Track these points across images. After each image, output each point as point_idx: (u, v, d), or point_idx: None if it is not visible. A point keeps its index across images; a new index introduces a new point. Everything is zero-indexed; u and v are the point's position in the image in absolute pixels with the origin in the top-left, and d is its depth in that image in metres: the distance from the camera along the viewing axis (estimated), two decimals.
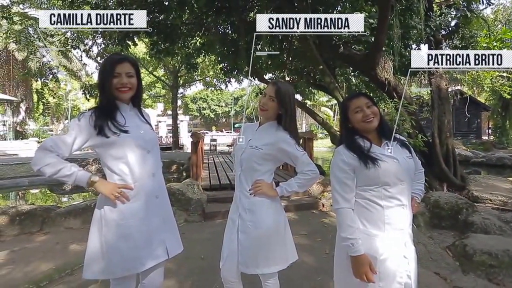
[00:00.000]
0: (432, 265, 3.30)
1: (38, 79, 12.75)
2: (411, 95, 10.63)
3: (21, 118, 25.42)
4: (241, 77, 14.29)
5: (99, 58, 12.04)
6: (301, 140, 7.75)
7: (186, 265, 3.37)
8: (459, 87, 25.93)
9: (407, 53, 7.91)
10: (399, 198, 1.61)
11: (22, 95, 24.38)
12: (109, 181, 1.76)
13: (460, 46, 7.97)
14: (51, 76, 12.51)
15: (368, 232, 1.62)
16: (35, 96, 25.47)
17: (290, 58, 10.14)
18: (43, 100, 24.78)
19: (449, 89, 12.50)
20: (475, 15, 7.81)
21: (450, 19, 7.78)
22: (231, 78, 12.78)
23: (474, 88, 30.15)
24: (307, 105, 13.61)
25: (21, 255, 3.70)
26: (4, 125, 25.38)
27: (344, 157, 1.66)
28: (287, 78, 10.76)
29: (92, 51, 9.75)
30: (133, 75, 1.82)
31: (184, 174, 11.51)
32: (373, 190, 1.62)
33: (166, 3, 7.95)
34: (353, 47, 7.67)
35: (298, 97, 12.73)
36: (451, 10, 7.69)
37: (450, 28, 7.93)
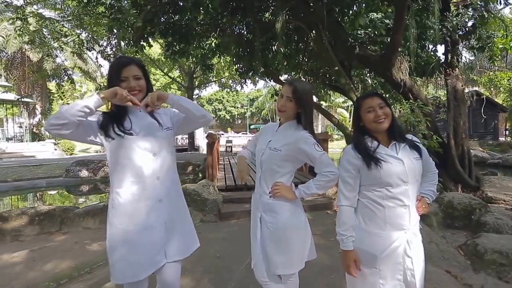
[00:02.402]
0: (443, 263, 3.33)
1: (53, 81, 12.92)
2: (428, 96, 10.52)
3: (37, 119, 25.51)
4: (257, 78, 14.22)
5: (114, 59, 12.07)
6: None
7: (202, 264, 3.43)
8: (476, 88, 25.41)
9: (424, 54, 7.86)
10: (401, 199, 1.65)
11: (37, 97, 24.51)
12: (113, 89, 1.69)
13: (477, 46, 7.85)
14: (66, 77, 12.63)
15: (369, 230, 1.70)
16: (51, 97, 25.71)
17: (306, 59, 10.12)
18: (58, 101, 25.00)
19: (466, 90, 12.30)
20: (492, 15, 7.70)
21: (467, 19, 7.68)
22: (246, 79, 12.74)
23: (492, 89, 29.55)
24: (323, 106, 13.55)
25: (41, 254, 3.80)
26: (20, 127, 25.80)
27: (349, 156, 1.73)
28: (302, 79, 10.74)
29: (107, 52, 9.82)
30: (140, 77, 1.80)
31: (200, 175, 11.54)
32: (376, 190, 1.68)
33: (181, 4, 8.00)
34: (369, 47, 7.65)
35: (314, 98, 12.68)
36: (468, 10, 7.59)
37: (467, 29, 7.83)
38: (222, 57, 12.88)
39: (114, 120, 1.75)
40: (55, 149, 22.35)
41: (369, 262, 1.69)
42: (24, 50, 20.27)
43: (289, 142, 1.92)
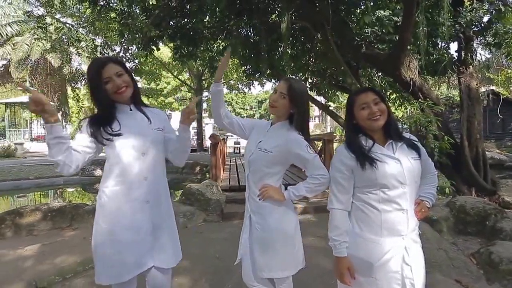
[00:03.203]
0: (453, 272, 3.13)
1: (71, 84, 13.48)
2: (441, 96, 10.20)
3: None
4: (264, 80, 14.22)
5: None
6: (321, 142, 7.64)
7: (201, 264, 3.45)
8: (493, 87, 24.66)
9: (435, 52, 7.59)
10: (399, 202, 1.52)
11: (58, 100, 25.48)
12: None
13: (493, 43, 7.55)
14: (84, 81, 13.01)
15: (364, 236, 1.57)
16: (70, 101, 26.50)
17: (313, 60, 9.99)
18: (78, 104, 25.67)
19: (482, 89, 11.86)
20: (510, 9, 7.38)
21: (482, 14, 7.37)
22: (253, 81, 12.74)
23: (511, 88, 28.69)
24: (332, 108, 13.38)
25: (51, 249, 3.94)
26: (43, 128, 26.84)
27: (342, 156, 1.61)
28: (309, 80, 10.64)
29: (120, 57, 9.99)
30: (123, 73, 1.75)
31: (208, 175, 11.78)
32: (371, 192, 1.55)
33: (188, 7, 8.05)
34: (376, 46, 7.45)
35: (321, 99, 12.54)
36: (483, 4, 7.29)
37: (482, 24, 7.52)
38: (229, 59, 12.87)
39: (101, 124, 1.71)
40: None
41: (364, 270, 1.57)
42: (46, 56, 20.93)
43: (280, 144, 1.84)
